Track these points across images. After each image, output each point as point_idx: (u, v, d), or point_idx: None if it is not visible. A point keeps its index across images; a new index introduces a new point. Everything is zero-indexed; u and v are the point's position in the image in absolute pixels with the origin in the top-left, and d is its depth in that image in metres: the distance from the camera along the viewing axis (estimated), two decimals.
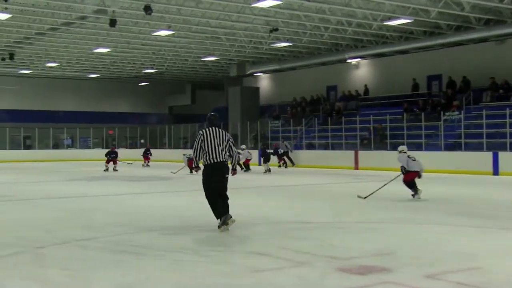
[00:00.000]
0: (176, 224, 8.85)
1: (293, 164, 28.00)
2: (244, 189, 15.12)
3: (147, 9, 20.39)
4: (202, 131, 7.96)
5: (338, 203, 12.10)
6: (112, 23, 22.35)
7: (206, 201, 8.13)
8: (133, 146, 42.28)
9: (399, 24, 24.57)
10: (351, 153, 26.21)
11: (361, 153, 25.88)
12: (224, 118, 37.57)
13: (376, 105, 29.84)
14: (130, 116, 45.48)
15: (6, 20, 23.50)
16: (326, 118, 30.70)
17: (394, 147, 19.42)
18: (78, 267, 5.81)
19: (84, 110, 43.35)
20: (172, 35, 27.03)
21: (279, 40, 28.37)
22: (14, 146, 39.01)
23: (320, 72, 34.49)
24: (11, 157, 35.68)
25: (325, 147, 29.09)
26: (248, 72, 35.45)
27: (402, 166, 12.09)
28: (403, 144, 16.63)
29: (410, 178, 12.09)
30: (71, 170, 26.14)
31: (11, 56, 30.62)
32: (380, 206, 10.94)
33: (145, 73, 39.44)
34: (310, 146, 29.81)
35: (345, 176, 20.77)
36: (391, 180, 12.60)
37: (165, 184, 17.85)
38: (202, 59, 34.13)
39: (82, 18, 23.83)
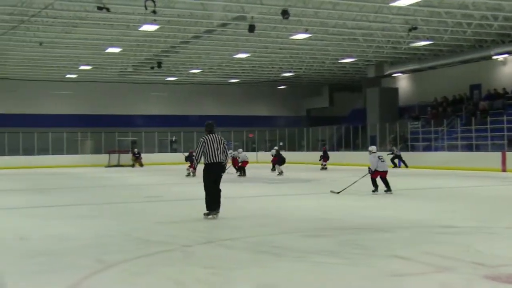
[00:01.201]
0: (318, 225, 8.89)
1: (406, 166, 27.70)
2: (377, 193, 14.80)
3: (285, 13, 20.66)
4: (203, 138, 9.94)
5: (484, 207, 11.46)
6: (251, 28, 22.95)
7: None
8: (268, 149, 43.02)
9: None
10: (497, 154, 24.68)
11: (509, 154, 24.28)
12: (362, 120, 37.07)
13: None
14: (269, 119, 46.32)
15: (155, 31, 25.04)
16: (469, 118, 29.18)
17: None
18: (221, 266, 6.03)
19: (225, 114, 44.86)
20: (309, 38, 27.16)
21: (419, 39, 27.43)
22: (162, 149, 41.41)
23: (463, 70, 32.86)
24: (160, 159, 37.78)
25: (469, 148, 27.68)
26: (387, 73, 34.69)
27: (369, 168, 13.93)
28: None
29: (375, 176, 13.99)
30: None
31: (159, 65, 32.53)
32: None
33: (283, 76, 39.98)
34: (452, 148, 28.52)
35: (491, 179, 19.60)
36: (362, 177, 14.43)
37: (307, 186, 17.98)
38: (340, 61, 33.94)
39: (223, 25, 24.72)
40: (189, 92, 43.50)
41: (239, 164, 23.57)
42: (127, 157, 36.30)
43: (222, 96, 44.82)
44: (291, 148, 41.01)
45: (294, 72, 38.00)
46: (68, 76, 37.20)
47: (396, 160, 28.17)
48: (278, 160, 24.44)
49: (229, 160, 23.36)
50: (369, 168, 13.98)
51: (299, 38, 26.97)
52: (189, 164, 23.62)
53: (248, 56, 32.14)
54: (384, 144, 32.51)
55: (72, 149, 38.73)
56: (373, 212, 10.56)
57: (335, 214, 10.35)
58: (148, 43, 28.47)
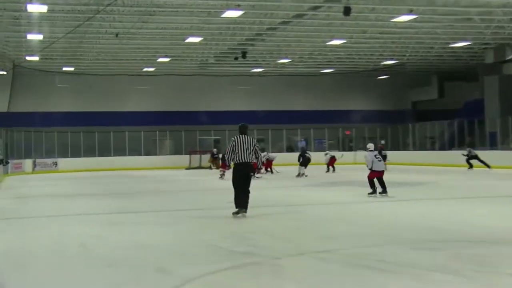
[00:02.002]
0: (431, 237, 8.64)
1: (488, 166, 27.34)
2: (475, 198, 14.20)
3: None
4: (234, 138, 11.41)
5: None
6: (347, 11, 22.60)
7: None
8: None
9: None
10: None
11: None
12: (479, 114, 35.80)
13: None
14: (368, 114, 45.72)
15: (239, 17, 25.30)
16: None
17: None
18: (316, 281, 5.95)
19: (317, 109, 44.72)
20: (415, 19, 26.51)
21: None
22: None
23: None
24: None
25: None
26: (509, 57, 33.29)
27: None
28: None
29: (372, 177, 14.68)
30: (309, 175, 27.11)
31: (244, 55, 32.85)
32: None
33: (383, 65, 39.32)
34: None
35: None
36: None
37: (416, 191, 17.63)
38: (451, 45, 32.94)
39: (314, 8, 24.59)
40: (277, 84, 43.65)
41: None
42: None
43: (314, 89, 44.67)
44: (394, 147, 40.23)
45: (396, 59, 37.27)
46: (145, 69, 38.36)
47: (473, 161, 27.90)
48: (303, 161, 24.98)
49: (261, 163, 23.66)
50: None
51: (402, 20, 26.39)
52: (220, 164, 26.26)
53: (344, 43, 31.81)
54: (506, 142, 31.20)
55: (150, 149, 39.94)
56: (489, 221, 10.23)
57: (443, 222, 10.06)
58: (231, 31, 28.82)
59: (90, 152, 37.92)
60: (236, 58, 33.81)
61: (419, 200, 14.66)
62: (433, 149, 38.35)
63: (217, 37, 30.16)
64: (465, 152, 28.18)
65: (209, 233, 9.46)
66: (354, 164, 36.56)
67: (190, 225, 10.59)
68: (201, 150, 38.36)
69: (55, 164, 36.53)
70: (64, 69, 37.39)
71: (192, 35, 28.83)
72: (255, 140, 11.53)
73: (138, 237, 9.15)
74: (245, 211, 11.22)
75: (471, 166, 27.67)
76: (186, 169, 35.40)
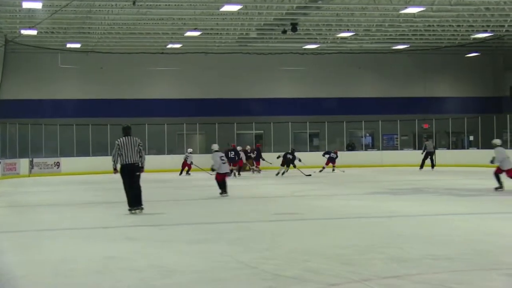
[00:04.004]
0: None
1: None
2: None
3: None
4: (118, 140, 14.83)
5: None
6: (293, 28, 22.35)
7: None
8: (458, 144, 42.14)
9: None
10: None
11: None
12: None
13: None
14: (453, 102, 45.26)
15: None
16: None
17: None
18: None
19: (387, 96, 44.46)
20: None
21: None
22: (299, 146, 41.71)
23: None
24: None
25: None
26: None
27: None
28: None
29: (500, 172, 18.64)
30: (371, 180, 27.01)
31: (294, 27, 32.84)
32: None
33: (474, 39, 38.87)
34: None
35: None
36: None
37: (508, 201, 17.43)
38: None
39: None
40: (336, 65, 43.55)
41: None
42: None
43: (383, 70, 44.48)
44: (486, 144, 39.65)
45: (491, 32, 36.79)
46: (170, 46, 38.72)
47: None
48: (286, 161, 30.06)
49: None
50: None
51: None
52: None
53: (422, 11, 31.56)
54: None
55: (177, 146, 40.13)
56: None
57: None
58: None
59: (100, 150, 38.09)
60: (284, 32, 33.82)
61: None
62: None
63: (260, 4, 30.28)
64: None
65: (248, 252, 9.52)
66: (436, 167, 36.25)
67: (224, 242, 10.66)
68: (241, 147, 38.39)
69: (57, 164, 37.09)
70: (69, 45, 37.97)
71: (229, 2, 28.95)
72: (139, 140, 14.99)
73: (160, 258, 9.26)
74: (142, 207, 14.80)
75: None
76: (234, 173, 35.49)
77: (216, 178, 19.29)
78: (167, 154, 39.53)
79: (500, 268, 8.07)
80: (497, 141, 17.70)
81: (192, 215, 15.00)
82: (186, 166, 34.00)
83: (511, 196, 18.78)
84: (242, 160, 33.93)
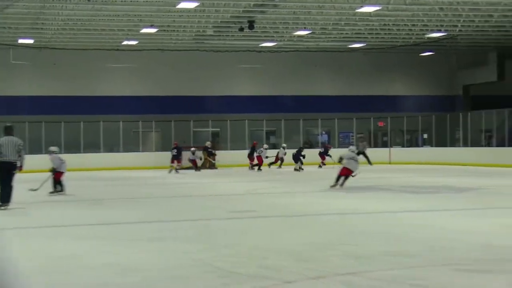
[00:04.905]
0: (479, 256, 8.72)
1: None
2: None
3: None
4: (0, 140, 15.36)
5: None
6: (250, 25, 22.51)
7: None
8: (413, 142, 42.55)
9: None
10: None
11: None
12: None
13: None
14: (407, 101, 45.69)
15: None
16: None
17: None
18: None
19: (343, 94, 44.69)
20: None
21: None
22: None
23: None
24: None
25: None
26: None
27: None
28: None
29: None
30: (328, 177, 27.13)
31: (251, 25, 32.84)
32: None
33: (428, 38, 39.26)
34: None
35: None
36: None
37: (461, 198, 17.70)
38: None
39: None
40: (293, 63, 43.67)
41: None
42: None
43: (340, 68, 44.70)
44: (440, 142, 40.21)
45: (445, 31, 37.19)
46: (125, 42, 38.49)
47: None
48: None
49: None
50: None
51: None
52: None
53: (378, 10, 31.79)
54: None
55: (132, 144, 39.90)
56: None
57: (505, 239, 10.13)
58: None
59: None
60: (241, 29, 33.82)
61: (469, 210, 14.71)
62: (489, 145, 38.29)
63: (217, 2, 30.22)
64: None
65: (205, 250, 9.51)
66: (390, 164, 36.67)
67: (181, 240, 10.63)
68: (196, 145, 38.32)
69: None
70: (21, 41, 37.48)
71: None
72: (20, 141, 15.53)
73: (117, 256, 9.20)
74: (8, 205, 15.26)
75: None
76: (177, 169, 35.45)
77: (55, 177, 19.85)
78: (122, 151, 39.24)
79: (454, 263, 8.16)
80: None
81: (149, 213, 14.89)
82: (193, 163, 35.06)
83: (463, 193, 19.06)
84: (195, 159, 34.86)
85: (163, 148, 39.69)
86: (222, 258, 8.79)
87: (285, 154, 35.24)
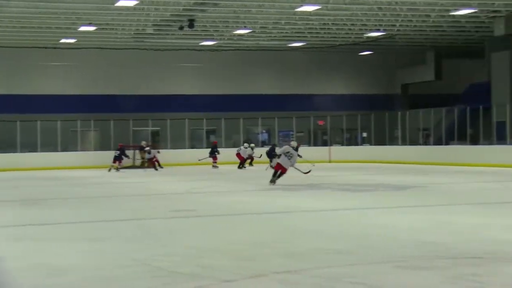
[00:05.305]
0: (415, 252, 8.83)
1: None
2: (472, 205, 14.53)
3: None
4: None
5: None
6: (191, 24, 22.67)
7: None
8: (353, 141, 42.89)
9: None
10: None
11: None
12: (484, 98, 36.36)
13: None
14: (347, 100, 46.03)
15: None
16: None
17: None
18: None
19: (284, 93, 44.85)
20: None
21: None
22: (195, 143, 41.77)
23: None
24: (192, 158, 38.05)
25: None
26: None
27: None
28: None
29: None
30: (264, 176, 27.21)
31: (191, 23, 32.75)
32: None
33: (367, 37, 39.66)
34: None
35: None
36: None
37: (398, 196, 17.96)
38: (451, 13, 33.39)
39: None
40: (233, 62, 43.69)
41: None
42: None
43: (280, 67, 44.86)
44: (379, 141, 40.66)
45: (384, 31, 37.61)
46: (63, 41, 38.03)
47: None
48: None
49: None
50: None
51: None
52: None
53: (318, 9, 31.97)
54: None
55: (70, 144, 39.44)
56: (495, 234, 10.43)
57: (435, 235, 10.27)
58: None
59: None
60: (181, 28, 33.72)
61: (406, 208, 14.86)
62: (427, 143, 38.86)
63: (157, 0, 30.06)
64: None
65: (143, 250, 9.43)
66: (330, 163, 36.92)
67: (119, 240, 10.55)
68: (135, 144, 38.07)
69: None
70: None
71: None
72: None
73: (53, 257, 9.06)
74: None
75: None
76: (116, 169, 35.17)
77: None
78: (60, 151, 38.71)
79: (392, 261, 8.24)
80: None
81: (88, 213, 14.72)
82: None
83: (401, 191, 19.31)
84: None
85: (102, 147, 39.37)
86: (160, 257, 8.73)
87: (253, 152, 35.43)
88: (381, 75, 47.03)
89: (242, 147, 35.26)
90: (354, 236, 10.40)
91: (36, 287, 7.27)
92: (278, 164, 21.22)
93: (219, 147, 36.80)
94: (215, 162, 35.40)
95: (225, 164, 35.06)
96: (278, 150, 21.45)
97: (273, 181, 20.86)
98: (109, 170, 32.78)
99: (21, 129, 37.79)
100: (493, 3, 31.16)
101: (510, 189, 20.21)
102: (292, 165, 21.01)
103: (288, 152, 21.00)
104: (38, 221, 13.27)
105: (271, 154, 31.67)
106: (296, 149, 30.15)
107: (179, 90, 43.34)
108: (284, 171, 20.96)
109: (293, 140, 24.48)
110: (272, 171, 24.47)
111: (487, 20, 35.22)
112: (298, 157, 28.61)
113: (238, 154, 34.99)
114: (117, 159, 33.50)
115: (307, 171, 22.91)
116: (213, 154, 35.62)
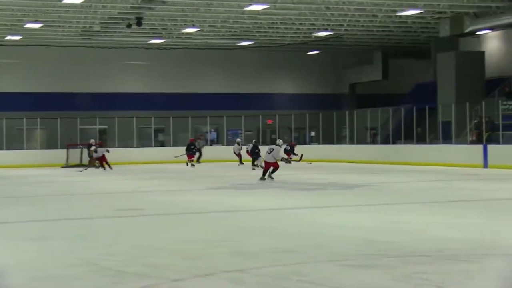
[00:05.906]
0: (363, 251, 8.90)
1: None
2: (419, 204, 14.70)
3: None
4: None
5: None
6: (138, 22, 22.75)
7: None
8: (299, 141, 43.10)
9: None
10: None
11: None
12: (430, 98, 36.79)
13: None
14: (295, 99, 46.18)
15: None
16: None
17: None
18: None
19: (232, 92, 44.83)
20: None
21: None
22: (144, 142, 41.50)
23: None
24: (140, 157, 37.85)
25: None
26: (468, 30, 34.27)
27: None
28: None
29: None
30: (214, 175, 27.21)
31: (139, 21, 32.53)
32: None
33: (315, 37, 39.84)
34: None
35: None
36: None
37: (346, 195, 18.10)
38: (398, 14, 33.71)
39: None
40: (181, 60, 43.51)
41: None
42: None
43: (228, 66, 44.80)
44: (327, 140, 40.89)
45: (332, 30, 37.82)
46: (8, 37, 37.45)
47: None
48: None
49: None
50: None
51: None
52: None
53: (266, 8, 32.01)
54: (463, 134, 32.26)
55: (15, 142, 38.92)
56: (443, 232, 10.56)
57: (387, 234, 10.37)
58: None
59: None
60: (129, 26, 33.47)
61: (355, 207, 15.00)
62: (374, 142, 39.19)
63: None
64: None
65: (89, 249, 9.35)
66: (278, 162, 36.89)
67: (64, 239, 10.42)
68: (83, 142, 37.67)
69: None
70: None
71: None
72: None
73: None
74: None
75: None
76: (63, 167, 34.81)
77: None
78: (5, 149, 38.12)
79: (340, 259, 8.31)
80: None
81: (32, 212, 14.54)
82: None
83: (349, 190, 19.46)
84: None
85: (48, 145, 38.90)
86: (107, 257, 8.68)
87: (240, 149, 35.59)
88: (329, 75, 47.24)
89: (236, 144, 36.35)
90: (303, 235, 10.45)
91: None
92: (266, 162, 22.36)
93: (168, 146, 36.73)
94: (192, 160, 35.14)
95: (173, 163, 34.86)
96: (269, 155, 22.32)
97: (263, 178, 22.05)
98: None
99: None
100: (439, 4, 31.50)
101: (456, 188, 20.49)
102: (275, 158, 22.17)
103: (271, 150, 22.30)
104: None
105: (254, 152, 31.60)
106: (292, 149, 30.45)
107: (127, 88, 43.05)
108: (276, 165, 22.27)
109: (279, 139, 25.17)
110: (256, 169, 25.10)
111: (433, 21, 35.59)
112: (294, 155, 28.99)
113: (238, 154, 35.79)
114: (190, 153, 34.74)
115: (289, 160, 24.25)
116: (189, 152, 35.26)
